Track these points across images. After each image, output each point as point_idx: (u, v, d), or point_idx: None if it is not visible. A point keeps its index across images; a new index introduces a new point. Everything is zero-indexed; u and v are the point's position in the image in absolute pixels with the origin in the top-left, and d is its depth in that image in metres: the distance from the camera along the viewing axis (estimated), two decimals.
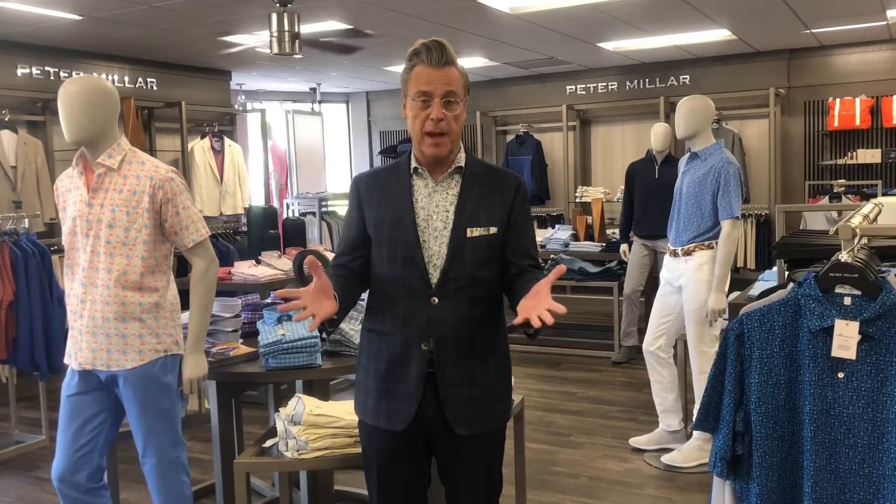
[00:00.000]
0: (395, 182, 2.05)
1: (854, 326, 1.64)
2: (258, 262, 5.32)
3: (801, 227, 5.75)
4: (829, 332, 1.66)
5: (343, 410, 2.55)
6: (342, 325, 2.94)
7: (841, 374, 1.66)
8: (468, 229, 1.99)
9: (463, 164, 2.05)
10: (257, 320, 3.08)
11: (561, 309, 1.70)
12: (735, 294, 3.89)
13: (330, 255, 5.55)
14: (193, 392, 2.66)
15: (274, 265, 5.23)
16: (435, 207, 2.02)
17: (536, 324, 1.70)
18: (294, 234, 6.72)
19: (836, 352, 1.65)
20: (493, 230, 2.02)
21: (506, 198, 2.05)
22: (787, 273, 2.41)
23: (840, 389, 1.66)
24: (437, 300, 1.97)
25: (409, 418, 2.00)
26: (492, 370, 2.07)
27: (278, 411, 2.64)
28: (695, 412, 4.06)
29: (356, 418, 2.48)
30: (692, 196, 3.84)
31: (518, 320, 1.76)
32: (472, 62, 7.43)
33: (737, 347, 1.75)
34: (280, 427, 2.57)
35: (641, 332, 5.40)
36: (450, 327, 1.98)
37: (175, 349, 2.60)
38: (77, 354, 2.54)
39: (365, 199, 2.07)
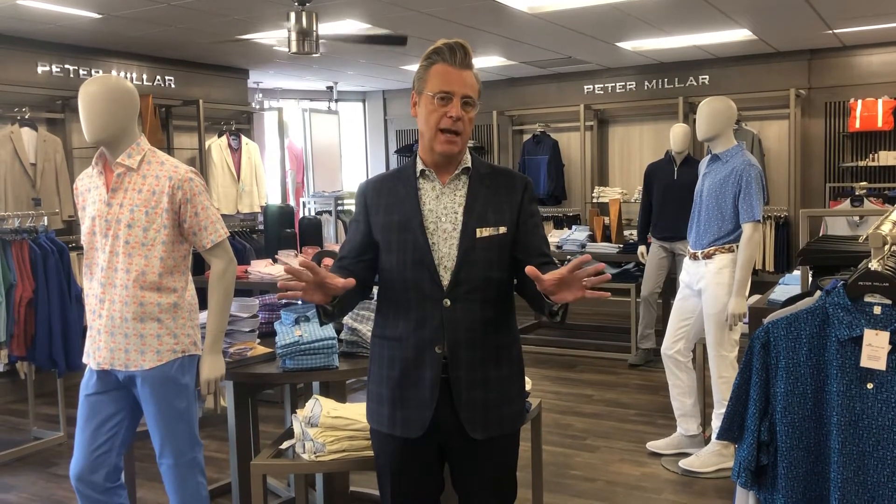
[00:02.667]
0: (401, 186, 2.04)
1: (884, 336, 1.60)
2: (274, 260, 5.32)
3: (821, 231, 5.68)
4: (857, 341, 1.63)
5: (360, 413, 2.53)
6: (358, 327, 2.93)
7: (870, 385, 1.62)
8: (477, 230, 1.99)
9: (469, 164, 2.05)
10: (275, 321, 3.08)
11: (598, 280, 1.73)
12: (755, 297, 3.84)
13: None
14: (211, 392, 2.65)
15: (290, 264, 5.22)
16: (443, 209, 2.01)
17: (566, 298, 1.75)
18: (310, 232, 6.71)
19: (866, 362, 1.62)
20: (502, 230, 2.01)
21: (514, 197, 2.04)
22: (811, 280, 2.37)
23: (869, 400, 1.62)
24: (449, 302, 1.96)
25: (424, 425, 1.99)
26: (505, 372, 2.06)
27: (295, 413, 2.63)
28: (713, 416, 4.05)
29: None
30: (713, 199, 3.80)
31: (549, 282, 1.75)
32: (489, 61, 7.40)
33: (762, 356, 1.72)
34: (297, 429, 2.56)
35: (659, 334, 5.37)
36: (463, 329, 1.97)
37: (193, 350, 2.60)
38: (95, 354, 2.55)
39: (371, 205, 2.06)
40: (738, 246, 3.75)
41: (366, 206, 2.07)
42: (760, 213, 3.71)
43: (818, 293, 1.75)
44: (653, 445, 4.21)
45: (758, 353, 1.73)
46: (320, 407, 2.53)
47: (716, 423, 3.95)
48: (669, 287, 5.91)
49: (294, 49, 4.90)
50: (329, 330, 2.82)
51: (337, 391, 3.15)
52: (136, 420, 2.65)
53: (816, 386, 1.68)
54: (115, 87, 2.50)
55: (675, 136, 5.76)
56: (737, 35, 6.43)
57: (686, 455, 4.02)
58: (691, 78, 7.81)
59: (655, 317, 6.03)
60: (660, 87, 7.99)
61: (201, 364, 2.61)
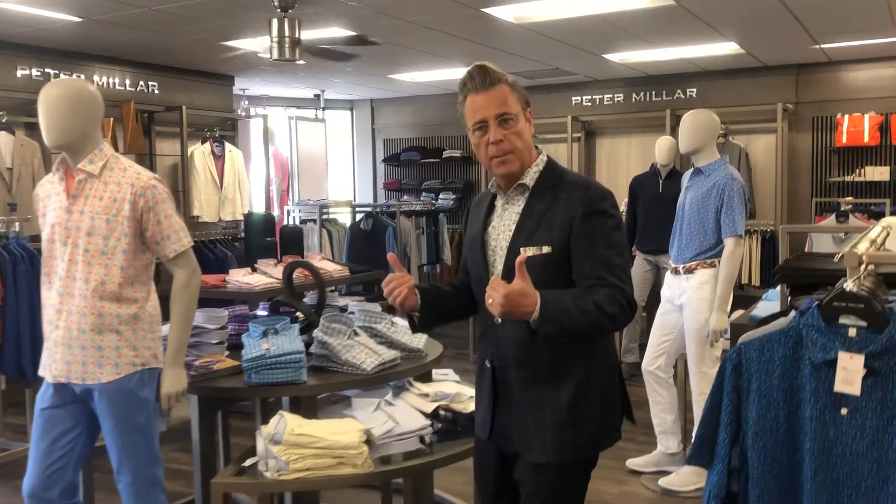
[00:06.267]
0: (485, 202, 2.12)
1: (859, 360, 1.54)
2: (254, 269, 5.24)
3: (806, 247, 5.64)
4: (832, 364, 1.56)
5: (327, 430, 2.46)
6: (329, 340, 2.86)
7: (844, 411, 1.56)
8: (522, 249, 1.92)
9: (527, 180, 1.99)
10: (244, 333, 3.00)
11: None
12: (738, 313, 3.78)
13: (327, 265, 5.48)
14: (173, 406, 2.57)
15: (269, 273, 5.14)
16: (503, 226, 2.04)
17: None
18: (292, 241, 6.64)
19: (840, 386, 1.55)
20: (545, 249, 1.92)
21: (568, 214, 1.94)
22: (789, 299, 2.31)
23: (843, 426, 1.56)
24: (499, 320, 1.95)
25: (486, 429, 2.07)
26: (565, 395, 1.95)
27: (260, 429, 2.55)
28: (694, 434, 3.98)
29: (340, 438, 2.43)
30: (695, 213, 3.75)
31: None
32: None
33: (734, 379, 1.65)
34: (260, 446, 2.48)
35: (643, 348, 5.30)
36: (509, 348, 1.97)
37: (153, 363, 2.52)
38: (51, 366, 2.47)
39: (468, 219, 2.18)
40: (720, 261, 3.70)
41: (467, 220, 2.19)
42: (742, 227, 3.66)
43: (792, 313, 1.69)
44: (633, 463, 4.14)
45: (729, 376, 1.66)
46: (285, 423, 2.45)
47: None
48: (654, 300, 5.85)
49: (276, 56, 4.84)
50: (297, 344, 2.75)
51: (307, 407, 3.07)
52: (93, 435, 2.56)
53: (789, 410, 1.61)
54: (77, 91, 2.43)
55: (661, 148, 5.72)
56: (724, 48, 6.42)
57: (666, 473, 3.95)
58: (679, 91, 7.80)
59: (639, 330, 5.98)
60: (647, 99, 7.97)
61: (162, 378, 2.53)
